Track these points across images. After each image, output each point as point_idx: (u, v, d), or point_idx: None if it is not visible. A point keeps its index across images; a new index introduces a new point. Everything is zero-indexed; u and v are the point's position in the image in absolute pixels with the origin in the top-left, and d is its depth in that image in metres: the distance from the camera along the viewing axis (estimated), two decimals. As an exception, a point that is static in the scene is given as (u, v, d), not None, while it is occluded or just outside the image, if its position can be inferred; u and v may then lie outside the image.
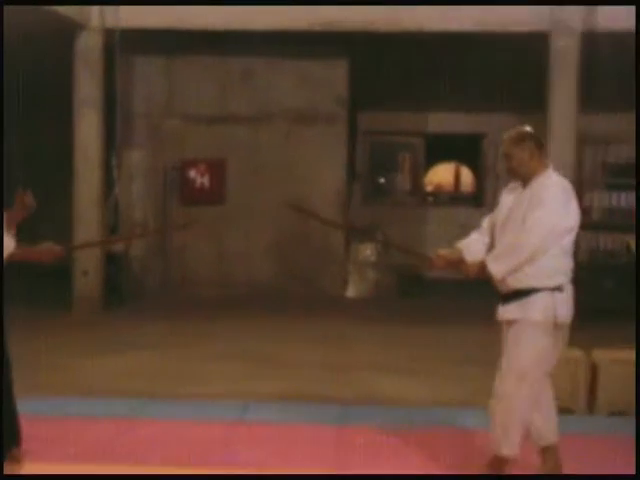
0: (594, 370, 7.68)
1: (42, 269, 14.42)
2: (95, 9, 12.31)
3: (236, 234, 14.26)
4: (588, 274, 11.97)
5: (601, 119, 12.92)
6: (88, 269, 12.68)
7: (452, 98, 15.72)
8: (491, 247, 5.66)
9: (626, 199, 12.22)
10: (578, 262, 12.67)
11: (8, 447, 6.03)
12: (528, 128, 5.70)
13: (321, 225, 13.45)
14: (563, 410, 7.54)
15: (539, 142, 5.62)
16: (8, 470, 5.88)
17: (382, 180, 17.34)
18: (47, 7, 10.97)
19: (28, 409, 7.49)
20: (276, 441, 6.73)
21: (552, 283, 5.43)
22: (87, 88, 12.60)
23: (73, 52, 12.51)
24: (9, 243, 5.85)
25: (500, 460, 5.57)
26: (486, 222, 5.85)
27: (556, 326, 5.46)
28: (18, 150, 16.94)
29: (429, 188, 18.22)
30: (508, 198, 5.71)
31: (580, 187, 12.57)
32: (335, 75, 14.43)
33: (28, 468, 6.10)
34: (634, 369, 7.56)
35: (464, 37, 12.66)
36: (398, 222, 15.33)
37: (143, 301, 13.71)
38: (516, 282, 5.44)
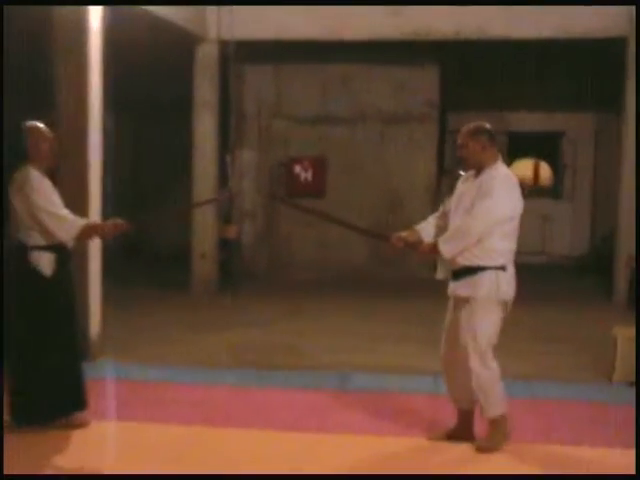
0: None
1: (164, 254, 14.79)
2: (212, 23, 12.49)
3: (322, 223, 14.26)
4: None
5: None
6: (205, 254, 12.91)
7: (533, 99, 15.64)
8: (445, 229, 5.78)
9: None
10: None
11: (71, 412, 6.14)
12: (486, 124, 5.78)
13: (411, 214, 13.54)
14: (634, 382, 7.49)
15: (492, 137, 5.73)
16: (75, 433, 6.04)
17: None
18: (170, 21, 11.18)
19: (153, 376, 7.77)
20: (373, 408, 6.78)
21: (496, 263, 5.57)
22: (205, 93, 12.79)
23: (193, 61, 12.72)
24: (79, 221, 6.02)
25: (494, 421, 5.71)
26: (442, 207, 6.00)
27: (499, 302, 5.62)
28: (144, 147, 17.37)
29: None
30: (462, 186, 5.85)
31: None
32: (426, 80, 14.39)
33: (150, 429, 6.27)
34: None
35: (544, 43, 12.56)
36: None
37: (253, 283, 13.81)
38: (465, 260, 5.60)
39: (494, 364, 5.69)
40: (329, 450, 5.87)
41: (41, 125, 6.10)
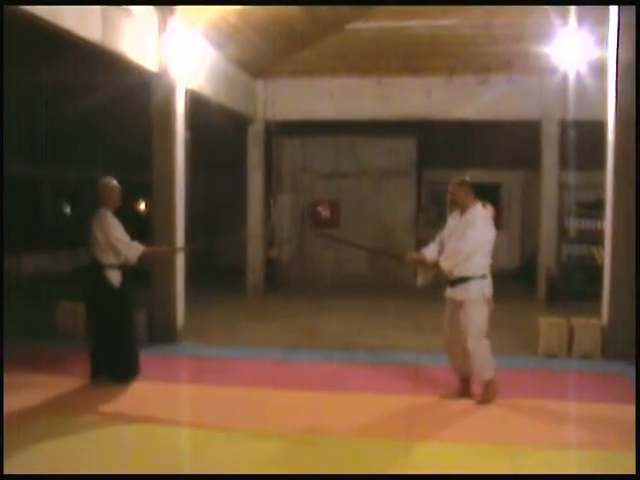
0: (571, 330, 7.60)
1: (227, 268, 14.63)
2: (260, 108, 12.55)
3: (345, 247, 14.21)
4: (566, 270, 11.91)
5: (574, 175, 12.67)
6: (255, 268, 12.92)
7: (481, 160, 15.60)
8: (441, 251, 5.81)
9: (589, 223, 12.10)
10: (560, 263, 12.28)
11: (131, 378, 6.23)
12: (467, 178, 5.87)
13: (399, 238, 13.56)
14: (552, 355, 7.52)
15: (471, 187, 5.82)
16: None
17: (436, 211, 17.19)
18: (231, 108, 11.22)
19: (219, 353, 7.70)
20: (373, 375, 6.76)
21: (480, 273, 5.61)
22: (254, 156, 12.79)
23: (246, 135, 12.73)
24: (140, 247, 6.18)
25: (488, 382, 5.73)
26: (438, 237, 6.00)
27: (485, 300, 5.63)
28: (213, 194, 17.35)
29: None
30: (452, 221, 5.92)
31: (562, 216, 12.43)
32: (408, 146, 14.36)
33: (212, 390, 6.21)
34: (596, 329, 7.43)
35: (487, 122, 12.57)
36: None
37: (289, 288, 13.74)
38: (459, 273, 5.64)
39: (486, 341, 5.70)
40: (340, 403, 5.86)
41: (112, 180, 6.26)
